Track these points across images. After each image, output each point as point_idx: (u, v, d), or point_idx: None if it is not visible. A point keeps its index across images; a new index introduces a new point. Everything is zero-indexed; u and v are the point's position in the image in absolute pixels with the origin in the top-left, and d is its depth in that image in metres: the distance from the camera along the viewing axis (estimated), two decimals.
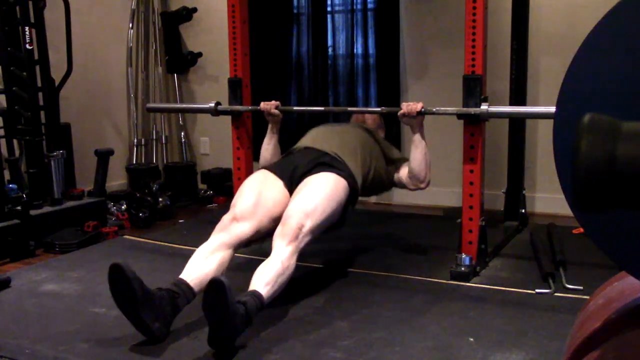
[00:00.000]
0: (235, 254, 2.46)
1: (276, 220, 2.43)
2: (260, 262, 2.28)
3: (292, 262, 2.28)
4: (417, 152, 2.81)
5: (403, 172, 2.92)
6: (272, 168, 2.75)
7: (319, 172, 2.59)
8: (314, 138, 2.94)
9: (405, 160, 2.96)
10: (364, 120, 3.23)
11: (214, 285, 1.93)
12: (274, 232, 2.38)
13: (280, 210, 2.47)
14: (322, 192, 2.49)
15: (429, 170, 2.85)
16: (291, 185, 2.60)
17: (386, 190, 3.13)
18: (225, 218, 2.48)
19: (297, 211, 2.39)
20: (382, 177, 2.95)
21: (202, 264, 2.28)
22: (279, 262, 2.24)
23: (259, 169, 3.00)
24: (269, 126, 3.14)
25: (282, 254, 2.27)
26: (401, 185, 2.96)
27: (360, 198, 2.84)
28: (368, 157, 2.85)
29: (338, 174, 2.60)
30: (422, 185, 2.87)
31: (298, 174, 2.62)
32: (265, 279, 2.17)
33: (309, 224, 2.36)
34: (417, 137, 2.81)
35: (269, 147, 3.09)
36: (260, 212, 2.49)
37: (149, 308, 2.05)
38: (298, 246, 2.32)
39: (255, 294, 2.11)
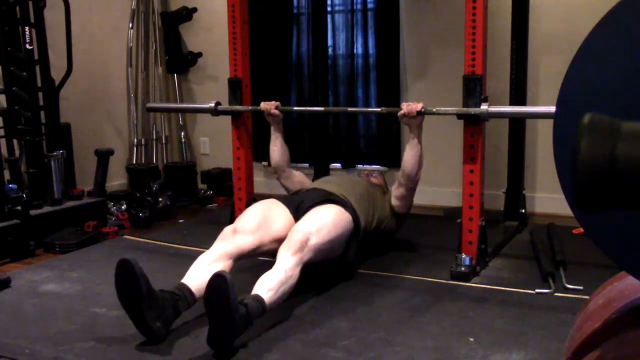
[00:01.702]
0: None
1: (279, 242, 2.44)
2: (263, 264, 2.28)
3: (296, 272, 2.29)
4: (413, 152, 2.85)
5: (395, 185, 2.99)
6: (281, 199, 2.80)
7: (325, 204, 2.66)
8: (322, 182, 3.05)
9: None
10: (369, 178, 3.27)
11: (216, 278, 1.93)
12: (276, 253, 2.39)
13: (283, 233, 2.49)
14: (328, 216, 2.55)
15: (420, 171, 2.90)
16: (297, 215, 2.63)
17: (390, 236, 3.16)
18: (227, 229, 2.49)
19: (303, 227, 2.43)
20: (385, 225, 2.99)
21: (204, 271, 2.27)
22: (283, 270, 2.25)
23: (270, 170, 3.04)
24: (272, 127, 3.16)
25: (286, 264, 2.28)
26: (396, 199, 2.99)
27: None
28: (372, 205, 2.90)
29: (344, 207, 2.66)
30: (411, 185, 2.94)
31: (305, 206, 2.67)
32: (268, 286, 2.18)
33: (314, 240, 2.38)
34: (415, 137, 2.83)
35: (276, 148, 3.15)
36: (263, 230, 2.52)
37: (152, 307, 2.06)
38: (302, 258, 2.33)
39: (258, 298, 2.11)
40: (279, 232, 2.52)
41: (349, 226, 2.63)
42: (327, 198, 2.73)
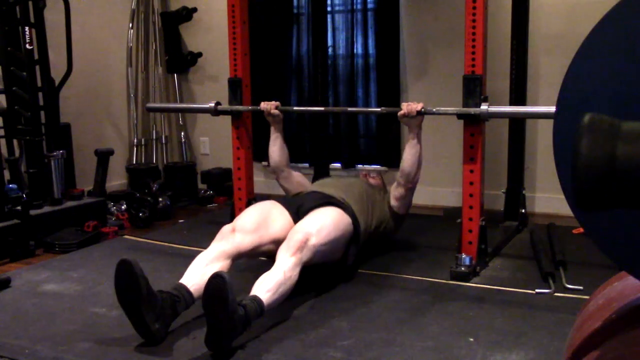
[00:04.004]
0: None
1: (277, 243, 2.44)
2: (262, 264, 2.28)
3: (295, 273, 2.28)
4: (412, 152, 2.85)
5: (394, 185, 2.98)
6: (280, 201, 2.80)
7: (325, 206, 2.65)
8: (321, 185, 3.03)
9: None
10: (367, 179, 3.27)
11: (215, 279, 1.93)
12: (274, 254, 2.38)
13: (282, 235, 2.48)
14: (327, 218, 2.55)
15: (420, 171, 2.89)
16: (297, 218, 2.62)
17: (390, 237, 3.14)
18: (225, 228, 2.49)
19: (303, 228, 2.43)
20: (384, 226, 2.98)
21: (202, 271, 2.27)
22: (281, 271, 2.24)
23: (269, 170, 3.02)
24: (272, 127, 3.16)
25: (285, 264, 2.27)
26: (395, 200, 2.99)
27: None
28: (371, 207, 2.90)
29: (343, 210, 2.65)
30: (410, 185, 2.93)
31: (305, 209, 2.66)
32: (266, 287, 2.18)
33: (313, 240, 2.38)
34: (414, 137, 2.83)
35: (275, 149, 3.14)
36: (262, 231, 2.51)
37: (151, 308, 2.06)
38: (301, 258, 2.32)
39: (256, 299, 2.11)
40: (278, 234, 2.51)
41: (348, 229, 2.63)
42: (327, 201, 2.72)
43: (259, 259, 2.75)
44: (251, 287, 2.19)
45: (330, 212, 2.60)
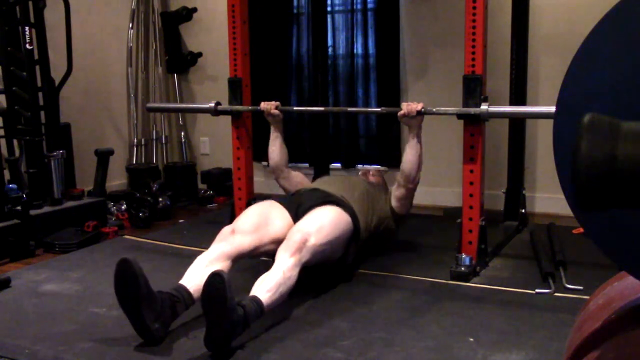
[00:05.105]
0: None
1: (277, 243, 2.44)
2: (262, 264, 2.28)
3: (294, 273, 2.28)
4: (412, 152, 2.84)
5: (395, 186, 2.96)
6: (280, 200, 2.79)
7: (325, 205, 2.64)
8: (321, 183, 3.02)
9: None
10: (367, 177, 3.27)
11: (213, 278, 1.93)
12: (275, 254, 2.38)
13: (282, 234, 2.48)
14: (326, 217, 2.55)
15: (420, 171, 2.88)
16: (296, 217, 2.62)
17: (390, 237, 3.13)
18: (225, 229, 2.49)
19: (302, 228, 2.43)
20: (384, 225, 2.97)
21: (202, 272, 2.26)
22: (281, 271, 2.24)
23: (269, 170, 3.02)
24: (272, 127, 3.16)
25: (285, 265, 2.27)
26: (396, 200, 2.97)
27: None
28: (371, 206, 2.89)
29: (343, 209, 2.65)
30: (410, 186, 2.90)
31: (304, 208, 2.66)
32: (266, 287, 2.18)
33: (313, 240, 2.38)
34: (414, 138, 2.82)
35: (275, 148, 3.14)
36: (262, 231, 2.51)
37: (151, 308, 2.06)
38: (301, 259, 2.32)
39: (255, 300, 2.11)
40: (278, 233, 2.51)
41: (348, 227, 2.63)
42: (327, 199, 2.72)
43: (259, 259, 2.75)
44: (251, 287, 2.20)
45: (329, 212, 2.60)
